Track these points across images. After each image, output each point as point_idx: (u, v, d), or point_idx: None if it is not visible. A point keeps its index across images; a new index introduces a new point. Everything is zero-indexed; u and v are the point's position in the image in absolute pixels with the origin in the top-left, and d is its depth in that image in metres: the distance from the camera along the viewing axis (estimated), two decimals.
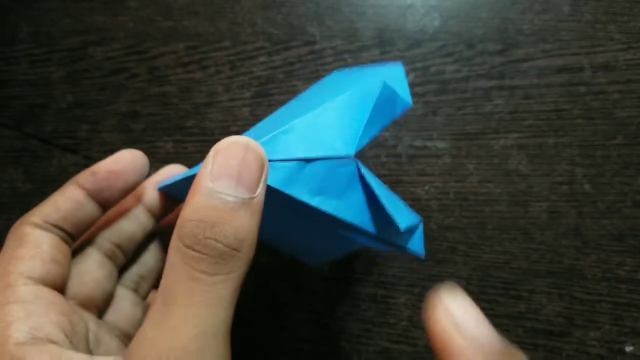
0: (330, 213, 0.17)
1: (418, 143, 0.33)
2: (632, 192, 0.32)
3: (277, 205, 0.17)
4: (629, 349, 0.31)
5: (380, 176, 0.33)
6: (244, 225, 0.14)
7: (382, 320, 0.31)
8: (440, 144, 0.33)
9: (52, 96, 0.34)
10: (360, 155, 0.33)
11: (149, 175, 0.21)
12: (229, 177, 0.14)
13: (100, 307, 0.20)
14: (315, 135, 0.17)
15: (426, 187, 0.32)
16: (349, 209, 0.17)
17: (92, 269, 0.20)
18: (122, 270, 0.22)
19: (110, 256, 0.21)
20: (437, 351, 0.13)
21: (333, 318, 0.31)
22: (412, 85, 0.33)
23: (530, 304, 0.31)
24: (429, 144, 0.33)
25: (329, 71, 0.34)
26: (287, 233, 0.21)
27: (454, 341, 0.12)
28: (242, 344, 0.31)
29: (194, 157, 0.33)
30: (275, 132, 0.16)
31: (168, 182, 0.21)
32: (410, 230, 0.20)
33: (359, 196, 0.18)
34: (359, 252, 0.32)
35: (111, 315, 0.21)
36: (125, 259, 0.22)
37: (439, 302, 0.13)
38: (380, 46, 0.34)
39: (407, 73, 0.34)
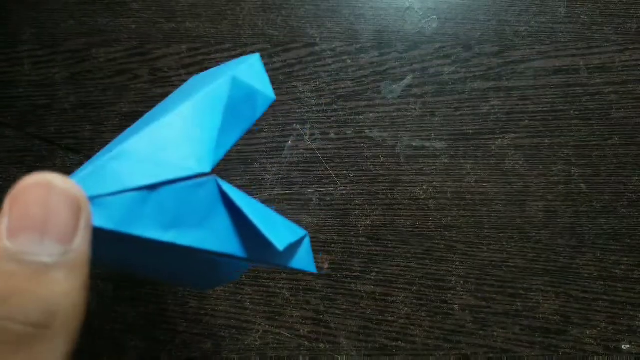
0: (191, 247, 0.14)
1: (416, 143, 0.33)
2: (628, 192, 0.33)
3: (130, 243, 0.14)
4: (625, 347, 0.31)
5: (379, 176, 0.33)
6: (56, 290, 0.11)
7: (381, 318, 0.32)
8: (438, 145, 0.33)
9: (56, 97, 0.35)
10: (358, 155, 0.33)
11: None
12: (30, 230, 0.11)
13: None
14: (157, 155, 0.14)
15: (424, 187, 0.33)
16: (214, 237, 0.15)
17: None
18: None
19: None
20: None
21: (332, 316, 0.32)
22: (410, 86, 0.34)
23: (527, 302, 0.32)
24: (427, 144, 0.33)
25: (329, 72, 0.34)
26: (158, 266, 0.18)
27: None
28: (242, 343, 0.32)
29: None
30: (102, 160, 0.13)
31: None
32: (293, 248, 0.17)
33: (224, 219, 0.15)
34: (359, 251, 0.32)
35: None
36: None
37: None
38: (378, 48, 0.34)
39: (406, 74, 0.34)
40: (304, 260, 0.18)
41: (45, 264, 0.11)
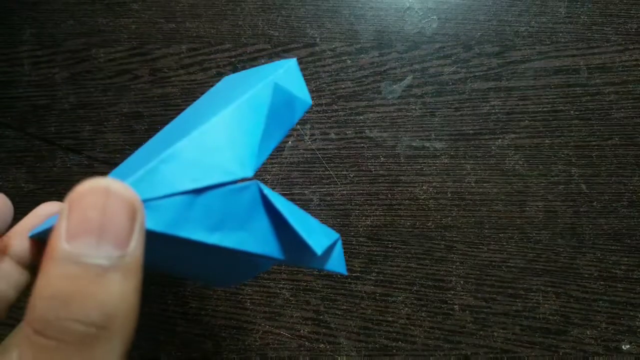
0: (234, 248, 0.15)
1: (416, 143, 0.33)
2: (628, 192, 0.33)
3: (172, 243, 0.15)
4: (625, 347, 0.31)
5: (379, 176, 0.33)
6: (114, 293, 0.11)
7: (381, 318, 0.32)
8: (438, 145, 0.33)
9: (56, 97, 0.35)
10: (358, 155, 0.33)
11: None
12: (88, 234, 0.11)
13: None
14: (203, 159, 0.14)
15: (424, 187, 0.33)
16: (254, 239, 0.15)
17: None
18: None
19: None
20: None
21: (332, 316, 0.32)
22: (410, 86, 0.34)
23: (527, 302, 0.32)
24: (427, 144, 0.33)
25: (329, 72, 0.34)
26: (191, 263, 0.18)
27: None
28: (242, 344, 0.32)
29: None
30: (152, 163, 0.13)
31: (42, 227, 0.17)
32: (328, 251, 0.18)
33: (264, 222, 0.16)
34: (359, 251, 0.32)
35: None
36: None
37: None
38: (378, 48, 0.34)
39: (406, 74, 0.34)
40: (336, 262, 0.18)
41: (103, 267, 0.11)
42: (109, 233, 0.12)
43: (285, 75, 0.17)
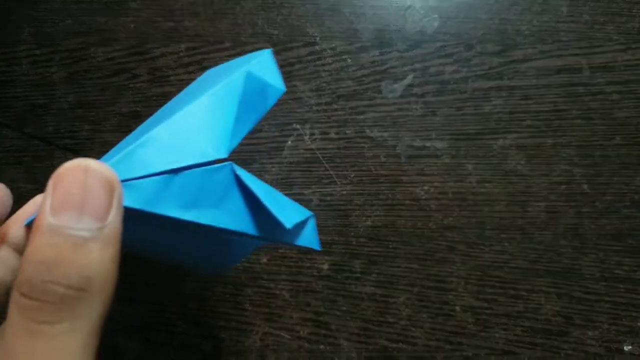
0: (208, 224, 0.16)
1: (417, 143, 0.33)
2: (631, 192, 0.32)
3: (154, 224, 0.16)
4: (627, 348, 0.31)
5: (379, 176, 0.33)
6: (93, 260, 0.13)
7: (382, 320, 0.31)
8: (439, 144, 0.33)
9: (54, 97, 0.35)
10: (358, 155, 0.33)
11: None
12: (70, 208, 0.13)
13: None
14: (179, 142, 0.15)
15: (425, 187, 0.33)
16: (229, 216, 0.17)
17: None
18: None
19: None
20: None
21: (333, 317, 0.31)
22: (411, 85, 0.34)
23: (529, 303, 0.31)
24: (428, 144, 0.33)
25: (329, 71, 0.34)
26: (176, 246, 0.20)
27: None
28: (242, 345, 0.31)
29: None
30: (131, 147, 0.15)
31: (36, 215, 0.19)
32: (299, 227, 0.19)
33: (238, 200, 0.17)
34: (359, 252, 0.32)
35: None
36: None
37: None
38: (379, 47, 0.34)
39: (407, 73, 0.34)
40: (309, 238, 0.19)
41: (84, 237, 0.13)
42: (89, 207, 0.13)
43: (258, 64, 0.19)
